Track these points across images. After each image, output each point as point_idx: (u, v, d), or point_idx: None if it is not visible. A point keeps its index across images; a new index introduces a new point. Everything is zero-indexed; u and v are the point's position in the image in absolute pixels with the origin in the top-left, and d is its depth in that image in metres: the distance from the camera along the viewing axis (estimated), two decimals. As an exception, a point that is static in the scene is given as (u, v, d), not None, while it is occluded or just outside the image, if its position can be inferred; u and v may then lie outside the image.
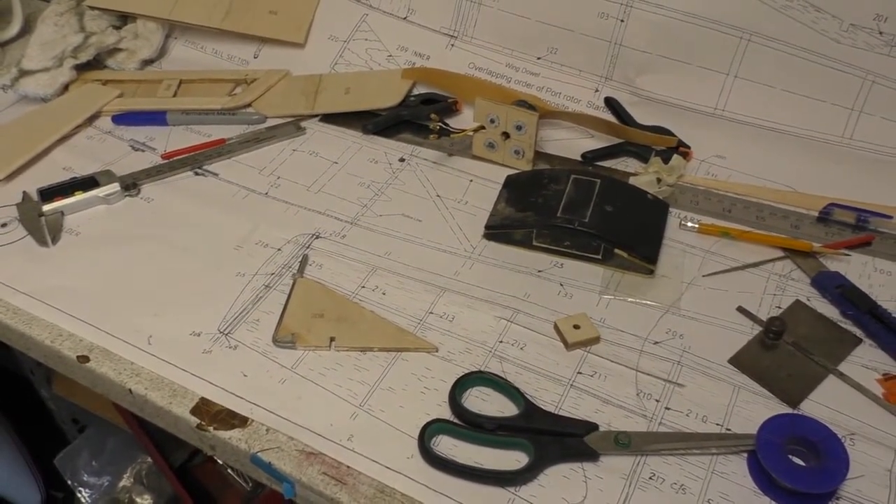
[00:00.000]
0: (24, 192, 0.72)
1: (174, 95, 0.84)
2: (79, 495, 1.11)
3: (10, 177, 0.75)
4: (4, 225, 0.70)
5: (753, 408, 0.55)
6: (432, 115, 0.73)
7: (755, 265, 0.65)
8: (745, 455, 0.52)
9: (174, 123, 0.81)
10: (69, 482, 1.11)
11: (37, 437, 1.15)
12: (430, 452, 0.52)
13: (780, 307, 0.62)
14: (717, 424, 0.54)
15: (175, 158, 0.76)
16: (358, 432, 0.54)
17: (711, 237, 0.67)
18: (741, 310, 0.62)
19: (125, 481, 1.16)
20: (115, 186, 0.71)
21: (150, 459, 1.12)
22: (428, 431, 0.53)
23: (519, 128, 0.72)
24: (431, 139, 0.73)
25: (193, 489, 1.04)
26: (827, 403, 0.55)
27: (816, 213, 0.69)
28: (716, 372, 0.57)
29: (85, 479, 1.13)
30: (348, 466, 0.52)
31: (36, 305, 0.62)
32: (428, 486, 0.51)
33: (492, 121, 0.73)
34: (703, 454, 0.52)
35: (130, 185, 0.72)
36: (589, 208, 0.65)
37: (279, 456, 0.52)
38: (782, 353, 0.58)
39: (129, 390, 0.56)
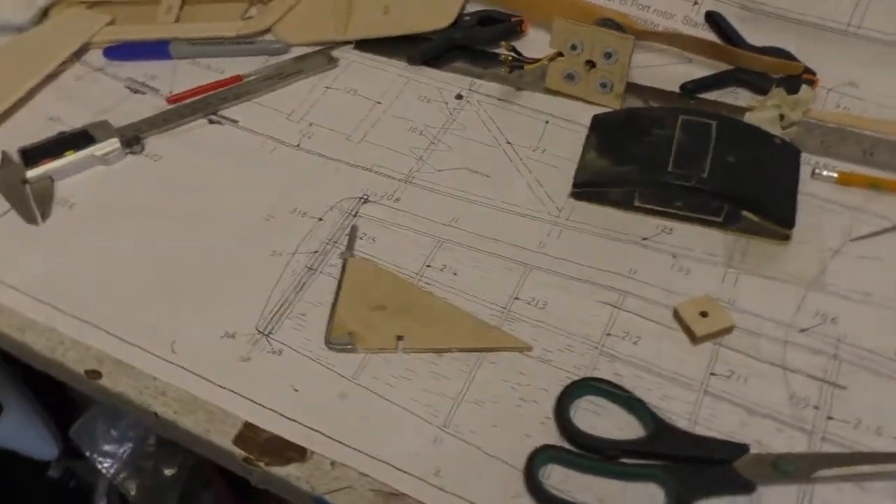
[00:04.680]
0: (3, 153, 0.58)
1: (176, 21, 0.69)
2: (99, 467, 1.03)
3: (-16, 132, 0.61)
4: (-19, 196, 0.57)
5: (939, 415, 0.44)
6: (503, 44, 0.59)
7: (912, 225, 0.53)
8: (938, 481, 0.41)
9: (178, 56, 0.67)
10: (88, 454, 1.02)
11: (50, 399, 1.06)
12: (541, 490, 0.41)
13: (951, 279, 0.50)
14: (896, 438, 0.43)
15: (183, 103, 0.63)
16: (446, 464, 0.43)
17: (854, 189, 0.55)
18: (904, 284, 0.50)
19: (149, 447, 1.07)
20: (114, 142, 0.58)
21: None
22: (536, 462, 0.42)
23: (608, 55, 0.58)
24: (503, 73, 0.59)
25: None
26: None
27: (979, 153, 0.56)
28: (884, 367, 0.46)
29: (105, 448, 1.05)
30: (439, 511, 0.41)
31: (27, 303, 0.50)
32: (542, 535, 0.40)
33: (573, 47, 0.59)
34: (885, 480, 0.42)
35: (132, 139, 0.59)
36: (707, 159, 0.52)
37: (352, 499, 0.42)
38: (962, 341, 0.47)
39: (155, 413, 0.45)
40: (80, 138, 0.58)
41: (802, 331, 0.48)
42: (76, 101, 0.64)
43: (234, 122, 0.61)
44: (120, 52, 0.67)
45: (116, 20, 0.70)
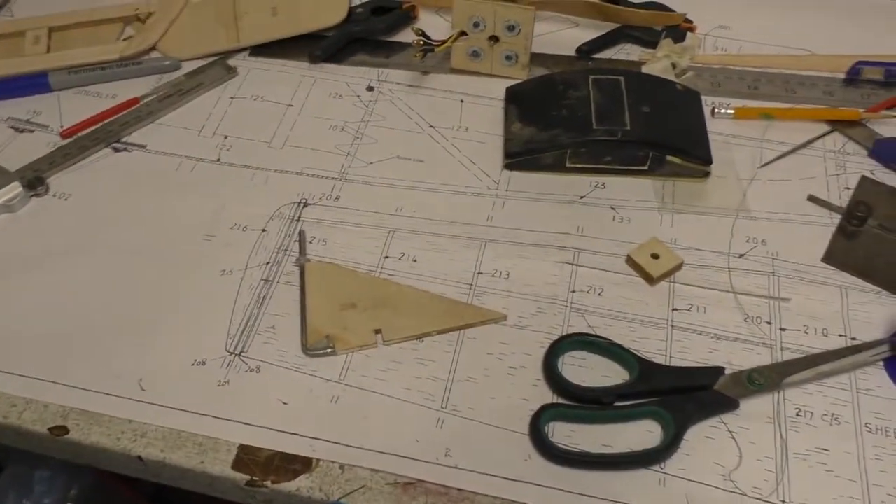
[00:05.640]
0: None
1: (48, 51, 0.64)
2: (19, 544, 0.94)
3: None
4: None
5: (869, 308, 0.49)
6: (413, 29, 0.59)
7: (805, 145, 0.58)
8: (882, 364, 0.47)
9: (61, 87, 0.62)
10: (4, 533, 0.93)
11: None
12: (551, 447, 0.42)
13: (848, 187, 0.56)
14: (840, 335, 0.48)
15: (80, 134, 0.58)
16: (454, 444, 0.43)
17: (750, 121, 0.60)
18: (812, 199, 0.55)
19: (68, 510, 1.00)
20: (14, 187, 0.54)
21: (91, 475, 0.96)
22: (541, 422, 0.43)
23: (511, 28, 0.60)
24: (416, 57, 0.59)
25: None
26: (947, 286, 0.50)
27: (843, 75, 0.63)
28: (814, 275, 0.51)
29: (21, 523, 0.96)
30: (459, 489, 0.41)
31: (-38, 372, 0.46)
32: (562, 489, 0.41)
33: (476, 24, 0.60)
34: (840, 374, 0.46)
35: (34, 180, 0.54)
36: (625, 113, 0.55)
37: (370, 496, 0.41)
38: (870, 239, 0.53)
39: (139, 457, 0.43)
40: (-26, 188, 0.53)
41: (741, 256, 0.52)
42: (-46, 151, 0.58)
43: (142, 146, 0.58)
44: (-9, 90, 0.62)
45: (-24, 58, 0.64)
